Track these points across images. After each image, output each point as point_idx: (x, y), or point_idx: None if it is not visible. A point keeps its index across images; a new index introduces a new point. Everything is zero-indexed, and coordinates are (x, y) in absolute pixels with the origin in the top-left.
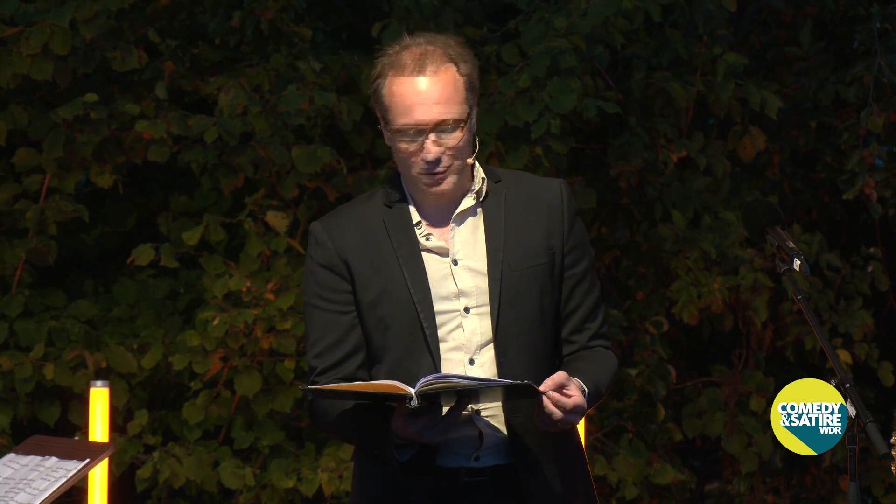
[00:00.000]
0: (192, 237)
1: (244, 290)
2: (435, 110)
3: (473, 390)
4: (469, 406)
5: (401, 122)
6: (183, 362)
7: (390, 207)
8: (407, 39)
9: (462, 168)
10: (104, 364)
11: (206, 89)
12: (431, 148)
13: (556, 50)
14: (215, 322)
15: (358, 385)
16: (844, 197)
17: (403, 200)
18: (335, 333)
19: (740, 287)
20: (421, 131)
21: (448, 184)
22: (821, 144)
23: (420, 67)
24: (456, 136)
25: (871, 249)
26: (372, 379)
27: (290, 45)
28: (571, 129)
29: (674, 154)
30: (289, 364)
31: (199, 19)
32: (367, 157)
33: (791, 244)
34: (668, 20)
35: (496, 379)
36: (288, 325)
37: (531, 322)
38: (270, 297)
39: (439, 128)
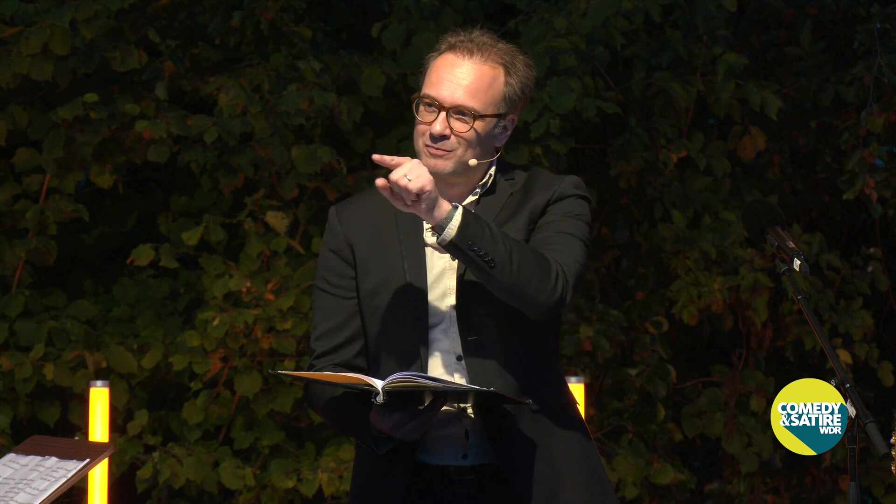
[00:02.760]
0: (192, 237)
1: (244, 290)
2: (458, 93)
3: (442, 392)
4: (456, 404)
5: (427, 90)
6: (183, 362)
7: None
8: (478, 32)
9: (463, 162)
10: (104, 364)
11: (206, 89)
12: (438, 124)
13: (556, 50)
14: (215, 322)
15: (326, 375)
16: (844, 197)
17: None
18: (337, 318)
19: (740, 287)
20: (438, 107)
21: (442, 164)
22: (821, 144)
23: (469, 53)
24: (465, 127)
25: (871, 249)
26: (370, 366)
27: (290, 45)
28: (571, 129)
29: (674, 154)
30: (289, 364)
31: (199, 19)
32: (367, 157)
33: (791, 244)
34: (668, 20)
35: (463, 384)
36: (288, 326)
37: (497, 303)
38: (270, 297)
39: (455, 111)
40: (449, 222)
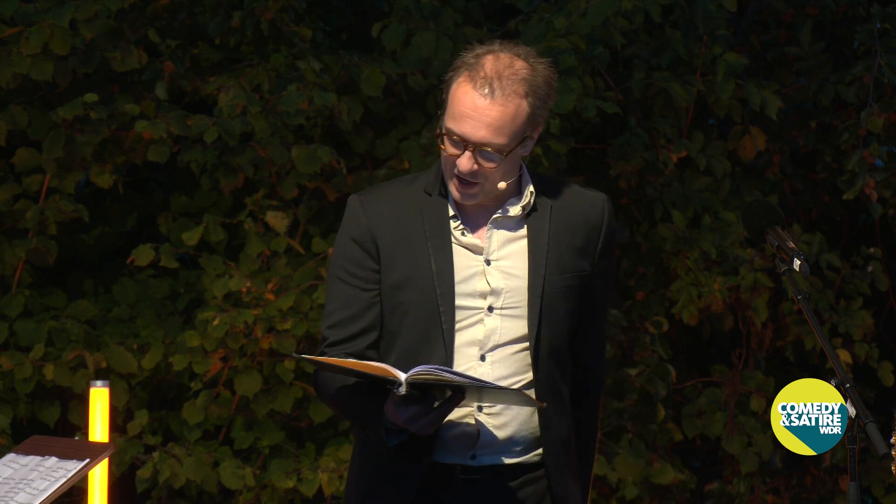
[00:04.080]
0: (192, 237)
1: (244, 290)
2: (482, 131)
3: (464, 388)
4: (474, 404)
5: (450, 124)
6: (183, 362)
7: (430, 195)
8: (498, 45)
9: (493, 189)
10: (104, 364)
11: (206, 89)
12: (465, 162)
13: (556, 50)
14: (215, 322)
15: (351, 362)
16: (844, 197)
17: (444, 191)
18: (352, 308)
19: (740, 287)
20: (463, 142)
21: (471, 199)
22: (821, 144)
23: (490, 88)
24: (492, 164)
25: (871, 249)
26: (381, 360)
27: (290, 45)
28: (571, 129)
29: (674, 154)
30: (289, 364)
31: (199, 19)
32: (367, 157)
33: (791, 244)
34: (668, 20)
35: (487, 381)
36: (288, 326)
37: (561, 338)
38: (270, 297)
39: (480, 147)
40: None
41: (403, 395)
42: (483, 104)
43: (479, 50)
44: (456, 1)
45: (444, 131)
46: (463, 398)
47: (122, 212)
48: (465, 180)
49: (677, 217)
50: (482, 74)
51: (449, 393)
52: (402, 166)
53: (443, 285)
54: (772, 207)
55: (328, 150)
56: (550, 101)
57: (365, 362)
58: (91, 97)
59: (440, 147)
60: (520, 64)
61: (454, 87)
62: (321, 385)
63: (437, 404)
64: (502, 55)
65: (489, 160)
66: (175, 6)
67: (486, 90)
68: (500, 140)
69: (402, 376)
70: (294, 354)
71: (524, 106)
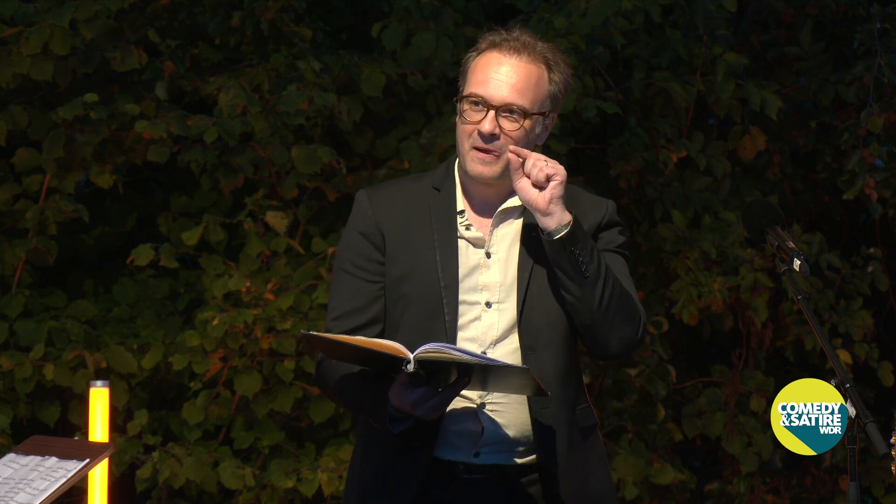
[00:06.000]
0: (191, 237)
1: (244, 290)
2: (506, 91)
3: (471, 367)
4: (477, 397)
5: (473, 89)
6: (183, 362)
7: (438, 191)
8: (518, 31)
9: (506, 166)
10: (104, 364)
11: (206, 89)
12: (488, 123)
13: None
14: (215, 322)
15: (360, 339)
16: (844, 197)
17: (452, 187)
18: (358, 301)
19: (740, 287)
20: (487, 106)
21: (490, 169)
22: (821, 144)
23: (516, 52)
24: (515, 126)
25: (871, 249)
26: None
27: (290, 45)
28: (571, 129)
29: (674, 154)
30: (289, 364)
31: (199, 19)
32: (367, 157)
33: (791, 244)
34: (668, 20)
35: (496, 359)
36: (288, 326)
37: (558, 317)
38: (270, 297)
39: (503, 110)
40: (564, 224)
41: (411, 374)
42: (509, 65)
43: (501, 31)
44: (456, 1)
45: (466, 98)
46: (468, 381)
47: (122, 212)
48: (485, 147)
49: (677, 217)
50: (507, 44)
51: (455, 376)
52: (402, 166)
53: (446, 279)
54: (772, 207)
55: (328, 150)
56: (568, 88)
57: (373, 339)
58: (91, 97)
59: (458, 121)
60: (542, 43)
61: (477, 58)
62: (324, 375)
63: (441, 389)
64: (521, 36)
65: (511, 122)
66: (175, 6)
67: (513, 52)
68: (523, 101)
69: (411, 355)
70: (303, 331)
71: (546, 75)
